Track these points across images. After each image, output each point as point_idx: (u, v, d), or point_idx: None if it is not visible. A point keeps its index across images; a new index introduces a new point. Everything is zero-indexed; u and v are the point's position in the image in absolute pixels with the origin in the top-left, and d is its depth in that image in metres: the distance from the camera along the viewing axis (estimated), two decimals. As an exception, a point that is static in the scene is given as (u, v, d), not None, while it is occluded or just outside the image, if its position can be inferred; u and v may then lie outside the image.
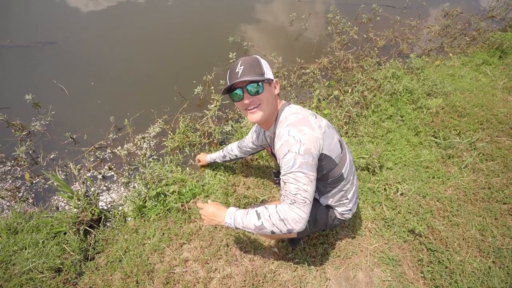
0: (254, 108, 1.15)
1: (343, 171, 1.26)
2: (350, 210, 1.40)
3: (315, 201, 1.40)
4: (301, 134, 1.05)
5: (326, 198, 1.38)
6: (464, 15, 4.04)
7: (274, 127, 1.26)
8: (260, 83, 1.12)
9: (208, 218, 1.22)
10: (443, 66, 3.15)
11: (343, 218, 1.42)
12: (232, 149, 1.82)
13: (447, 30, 3.76)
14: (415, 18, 3.73)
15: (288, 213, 1.04)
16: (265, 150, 1.93)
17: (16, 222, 1.76)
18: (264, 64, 1.16)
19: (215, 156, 1.97)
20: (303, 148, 1.03)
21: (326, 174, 1.24)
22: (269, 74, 1.17)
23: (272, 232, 1.08)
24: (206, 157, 2.03)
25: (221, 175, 2.05)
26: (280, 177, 1.09)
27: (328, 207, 1.41)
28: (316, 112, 2.47)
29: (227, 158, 1.88)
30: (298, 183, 1.03)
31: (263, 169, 2.11)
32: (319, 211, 1.38)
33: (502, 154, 2.17)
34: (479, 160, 2.15)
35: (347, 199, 1.36)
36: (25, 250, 1.60)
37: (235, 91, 1.14)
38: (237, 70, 1.11)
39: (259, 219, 1.09)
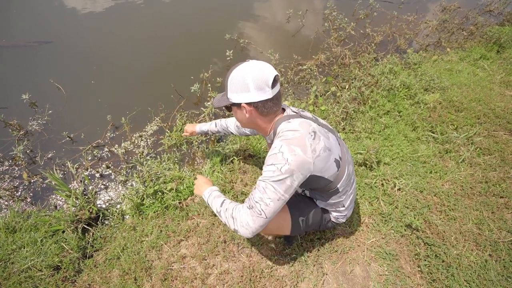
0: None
1: (338, 186, 1.23)
2: (344, 215, 1.41)
3: (311, 202, 1.39)
4: (290, 154, 1.00)
5: (321, 203, 1.38)
6: (461, 9, 4.03)
7: (271, 137, 1.21)
8: (222, 107, 1.16)
9: (196, 187, 1.39)
10: (441, 61, 3.15)
11: (337, 222, 1.44)
12: (228, 127, 1.69)
13: (445, 25, 3.75)
14: (412, 13, 3.72)
15: (240, 214, 1.07)
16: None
17: (14, 221, 1.77)
18: (230, 85, 1.08)
19: (207, 128, 1.79)
20: (286, 167, 0.99)
21: (319, 188, 1.24)
22: (235, 97, 1.08)
23: (226, 224, 1.14)
24: (196, 128, 1.84)
25: (218, 172, 2.05)
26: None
27: (324, 209, 1.41)
28: (314, 109, 2.48)
29: (222, 133, 1.79)
30: (264, 194, 1.03)
31: (260, 165, 2.12)
32: (314, 212, 1.37)
33: (499, 148, 2.17)
34: (476, 155, 2.15)
35: (344, 206, 1.36)
36: (24, 248, 1.61)
37: None
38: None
39: (221, 206, 1.18)
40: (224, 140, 2.35)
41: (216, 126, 1.75)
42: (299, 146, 1.02)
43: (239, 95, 1.07)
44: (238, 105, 1.10)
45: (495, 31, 3.45)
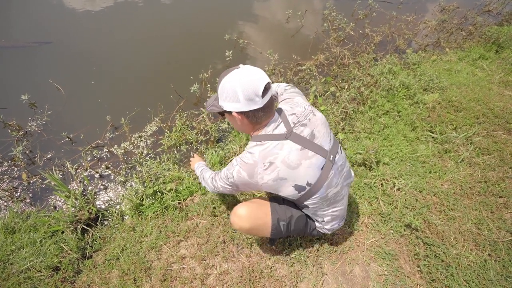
0: None
1: (306, 203, 1.24)
2: (328, 229, 1.39)
3: (295, 207, 1.35)
4: (237, 174, 1.16)
5: (303, 209, 1.36)
6: (460, 9, 4.03)
7: None
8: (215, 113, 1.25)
9: (192, 162, 1.87)
10: (440, 61, 3.15)
11: (321, 232, 1.42)
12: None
13: (444, 25, 3.76)
14: (411, 13, 3.72)
15: (215, 180, 1.34)
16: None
17: (13, 221, 1.76)
18: (220, 94, 1.11)
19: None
20: (231, 180, 1.20)
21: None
22: (226, 106, 1.10)
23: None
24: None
25: (218, 172, 2.05)
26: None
27: (309, 216, 1.39)
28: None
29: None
30: (220, 180, 1.29)
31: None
32: (298, 218, 1.34)
33: (498, 148, 2.18)
34: (475, 154, 2.16)
35: (324, 220, 1.35)
36: (23, 249, 1.61)
37: None
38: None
39: (201, 172, 1.56)
40: (224, 140, 2.35)
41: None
42: (246, 172, 1.14)
43: (230, 104, 1.09)
44: (230, 113, 1.13)
45: (494, 31, 3.46)
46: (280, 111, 1.20)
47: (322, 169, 1.16)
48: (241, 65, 1.10)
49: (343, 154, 1.29)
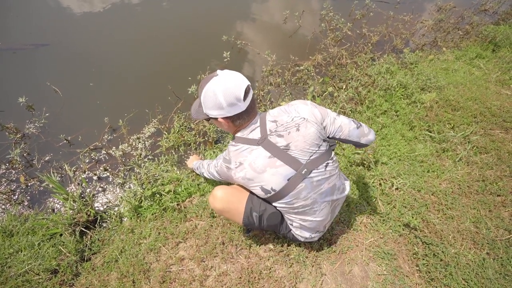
0: None
1: (274, 204, 1.29)
2: (300, 236, 1.41)
3: (268, 203, 1.34)
4: (220, 164, 1.34)
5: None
6: (457, 9, 4.05)
7: None
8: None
9: (189, 161, 2.02)
10: (437, 61, 3.16)
11: (296, 237, 1.43)
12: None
13: (441, 24, 3.77)
14: (408, 13, 3.73)
15: (210, 166, 1.54)
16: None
17: (11, 224, 1.76)
18: (206, 104, 1.15)
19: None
20: (218, 168, 1.38)
21: None
22: (211, 113, 1.17)
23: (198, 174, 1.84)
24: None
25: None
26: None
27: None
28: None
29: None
30: (216, 163, 1.43)
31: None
32: (271, 213, 1.33)
33: (495, 146, 2.18)
34: (473, 153, 2.16)
35: (292, 224, 1.37)
36: (21, 252, 1.60)
37: None
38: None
39: (200, 163, 1.78)
40: (222, 141, 2.35)
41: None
42: (225, 165, 1.28)
43: (214, 111, 1.15)
44: (215, 118, 1.19)
45: (491, 30, 3.47)
46: (263, 115, 1.24)
47: (288, 180, 1.18)
48: (218, 71, 1.13)
49: (329, 172, 1.24)
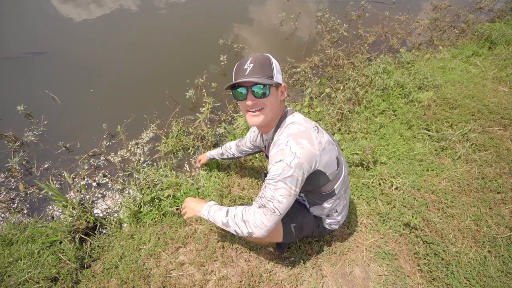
0: (256, 111, 1.09)
1: (335, 187, 1.23)
2: (338, 222, 1.42)
3: (304, 209, 1.39)
4: (298, 146, 1.01)
5: (315, 208, 1.37)
6: (452, 7, 4.07)
7: (273, 132, 1.19)
8: (267, 85, 1.03)
9: (190, 209, 1.30)
10: (434, 59, 3.17)
11: (330, 228, 1.45)
12: (231, 147, 1.77)
13: (436, 23, 3.79)
14: (404, 13, 3.75)
15: (252, 215, 1.06)
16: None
17: (11, 233, 1.75)
18: (275, 66, 1.08)
19: (214, 153, 1.91)
20: (296, 161, 1.00)
21: (318, 189, 1.22)
22: (278, 77, 1.08)
23: (236, 232, 1.10)
24: (206, 155, 1.97)
25: (215, 177, 2.04)
26: (265, 179, 1.07)
27: (317, 217, 1.41)
28: (309, 111, 2.49)
29: (225, 156, 1.84)
30: (276, 192, 1.02)
31: (257, 169, 2.12)
32: (306, 219, 1.38)
33: (494, 144, 2.18)
34: (472, 151, 2.16)
35: (337, 212, 1.37)
36: (21, 261, 1.60)
37: (239, 89, 1.06)
38: (245, 67, 1.03)
39: (226, 216, 1.14)
40: (220, 145, 2.35)
41: (221, 149, 1.86)
42: (305, 139, 1.04)
43: (280, 75, 1.12)
44: (278, 86, 1.11)
45: (486, 27, 3.49)
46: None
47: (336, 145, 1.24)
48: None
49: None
